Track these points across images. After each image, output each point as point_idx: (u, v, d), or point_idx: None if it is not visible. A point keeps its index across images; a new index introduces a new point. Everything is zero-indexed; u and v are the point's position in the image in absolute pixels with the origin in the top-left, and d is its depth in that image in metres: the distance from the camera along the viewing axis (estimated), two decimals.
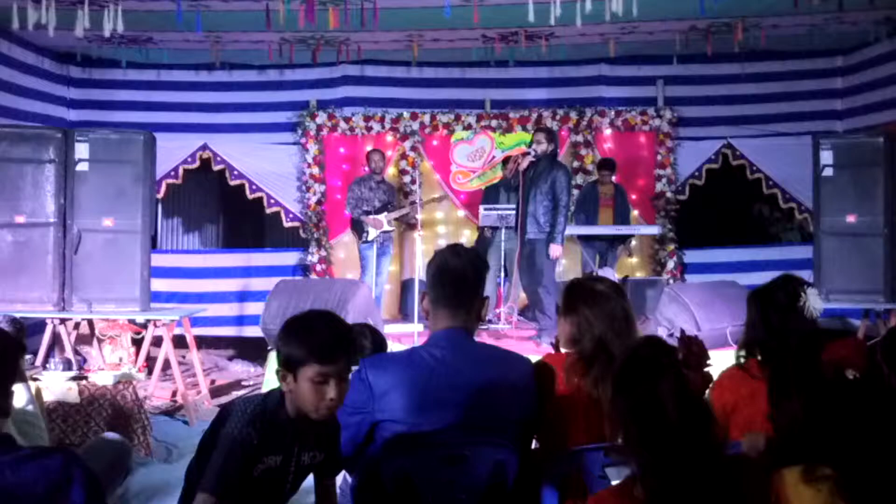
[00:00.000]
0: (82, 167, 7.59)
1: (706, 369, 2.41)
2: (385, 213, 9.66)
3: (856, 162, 8.31)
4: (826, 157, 8.35)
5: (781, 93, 10.95)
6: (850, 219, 8.31)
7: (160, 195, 10.59)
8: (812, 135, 8.88)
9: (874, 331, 8.26)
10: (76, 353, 7.80)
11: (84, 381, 6.19)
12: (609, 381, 2.46)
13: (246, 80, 11.07)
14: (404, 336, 8.29)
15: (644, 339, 2.69)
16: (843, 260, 8.27)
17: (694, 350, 2.38)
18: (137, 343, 8.41)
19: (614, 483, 2.54)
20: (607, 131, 10.92)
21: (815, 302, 3.37)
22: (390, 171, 10.62)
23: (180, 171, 10.82)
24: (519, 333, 8.69)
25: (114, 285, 7.58)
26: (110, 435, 4.51)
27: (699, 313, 7.44)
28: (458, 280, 3.03)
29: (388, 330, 8.45)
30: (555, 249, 8.09)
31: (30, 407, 3.75)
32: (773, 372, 2.84)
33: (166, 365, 7.90)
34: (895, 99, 9.77)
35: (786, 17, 8.91)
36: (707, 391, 2.50)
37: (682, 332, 2.95)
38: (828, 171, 8.34)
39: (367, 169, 10.13)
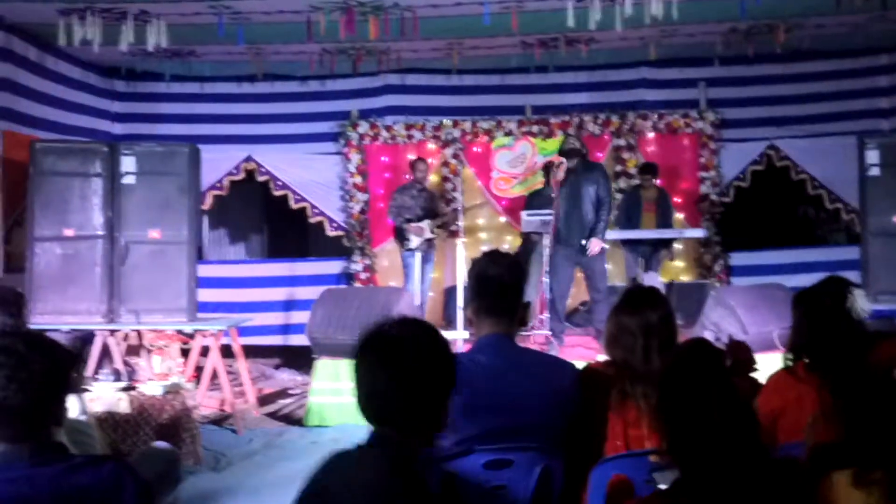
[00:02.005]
0: (128, 180, 7.71)
1: (754, 375, 2.39)
2: (427, 221, 9.67)
3: None
4: (872, 156, 8.25)
5: (825, 92, 10.81)
6: None
7: (206, 206, 10.70)
8: (857, 134, 8.78)
9: None
10: (125, 363, 7.89)
11: (134, 392, 6.28)
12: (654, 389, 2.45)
13: (288, 90, 11.17)
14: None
15: (691, 343, 2.68)
16: (890, 260, 8.17)
17: (741, 356, 2.36)
18: (186, 353, 8.50)
19: (661, 488, 2.53)
20: (650, 134, 10.86)
21: (861, 303, 3.34)
22: (432, 179, 10.64)
23: (225, 183, 10.94)
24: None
25: (161, 296, 7.69)
26: (160, 444, 4.57)
27: (745, 317, 7.39)
28: (497, 287, 3.05)
29: None
30: (595, 244, 8.10)
31: (82, 417, 3.82)
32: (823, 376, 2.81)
33: (214, 374, 7.97)
34: None
35: (828, 18, 8.81)
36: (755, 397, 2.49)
37: (730, 338, 2.94)
38: (874, 171, 8.25)
39: (408, 177, 10.17)
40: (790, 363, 3.32)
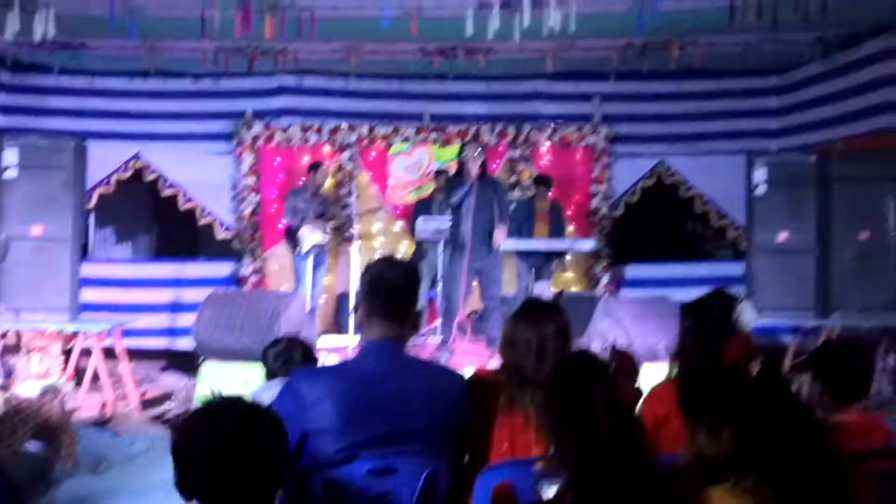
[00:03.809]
0: (10, 174, 7.46)
1: (636, 385, 2.41)
2: (320, 225, 9.57)
3: (788, 181, 8.51)
4: (759, 175, 8.52)
5: (717, 111, 11.10)
6: (782, 236, 8.48)
7: (92, 204, 10.39)
8: (746, 153, 9.04)
9: (805, 347, 8.41)
10: (2, 363, 7.61)
11: (9, 392, 6.04)
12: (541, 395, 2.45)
13: (180, 88, 10.90)
14: (339, 349, 8.23)
15: (577, 353, 2.70)
16: (774, 277, 8.45)
17: (625, 363, 2.39)
18: (68, 353, 8.22)
19: (545, 497, 2.52)
20: (544, 147, 10.98)
21: (747, 315, 3.41)
22: (327, 182, 10.52)
23: (112, 180, 10.63)
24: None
25: (43, 294, 7.46)
26: (32, 446, 4.40)
27: (632, 328, 7.51)
28: (392, 291, 3.01)
29: (322, 343, 8.40)
30: (500, 234, 8.19)
31: None
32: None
33: (96, 376, 7.73)
34: (828, 119, 9.96)
35: (721, 36, 9.04)
36: (638, 405, 2.51)
37: (614, 345, 2.97)
38: (761, 190, 8.50)
39: (303, 180, 10.06)
40: (675, 371, 3.36)
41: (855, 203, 8.30)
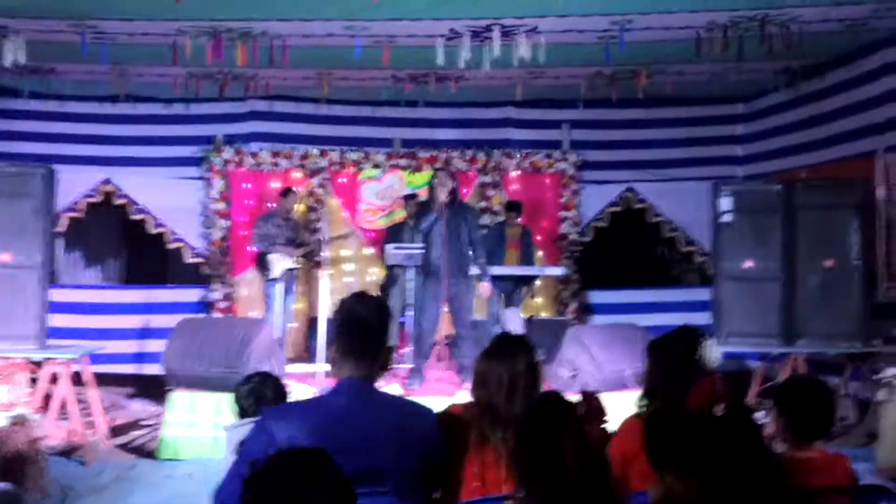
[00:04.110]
0: None
1: (604, 427, 2.45)
2: (291, 251, 9.58)
3: (754, 208, 8.61)
4: (725, 203, 8.62)
5: (684, 138, 11.26)
6: (748, 264, 8.58)
7: (60, 229, 10.33)
8: (712, 181, 9.15)
9: (771, 373, 8.51)
10: None
11: None
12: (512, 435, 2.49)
13: (151, 112, 10.91)
14: (308, 376, 8.22)
15: (545, 395, 2.73)
16: (740, 304, 8.53)
17: (593, 406, 2.43)
18: (34, 382, 8.14)
19: None
20: (514, 173, 11.07)
21: (712, 353, 3.46)
22: (297, 208, 10.53)
23: (81, 205, 10.60)
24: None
25: (10, 322, 7.41)
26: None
27: (599, 355, 7.56)
28: (362, 330, 3.03)
29: (292, 369, 8.38)
30: (486, 288, 8.26)
31: None
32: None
33: (63, 404, 7.66)
34: (793, 146, 10.13)
35: (688, 66, 9.18)
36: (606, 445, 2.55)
37: (583, 388, 3.00)
38: (727, 217, 8.60)
39: (273, 205, 10.08)
40: (643, 408, 3.40)
41: (819, 231, 8.42)
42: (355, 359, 3.01)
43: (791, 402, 3.32)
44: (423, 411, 3.14)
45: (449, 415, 3.29)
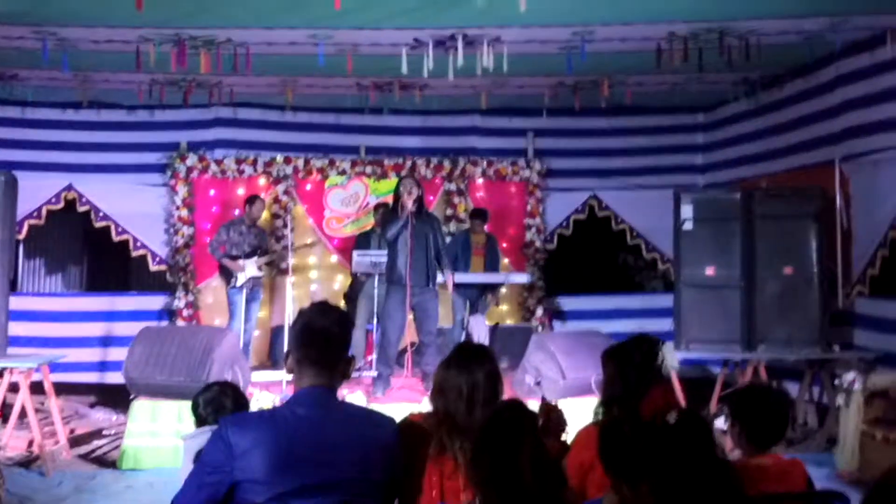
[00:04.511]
0: None
1: (562, 439, 2.48)
2: (255, 258, 9.55)
3: (714, 216, 8.70)
4: (686, 211, 8.70)
5: (646, 147, 11.36)
6: (709, 271, 8.66)
7: (21, 236, 10.24)
8: (674, 188, 9.24)
9: (732, 379, 8.59)
10: None
11: None
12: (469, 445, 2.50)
13: (114, 119, 10.84)
14: (273, 384, 8.20)
15: (506, 403, 2.75)
16: (702, 310, 8.61)
17: (553, 418, 2.45)
18: None
19: None
20: (479, 181, 11.12)
21: (670, 359, 3.51)
22: (262, 216, 10.49)
23: (43, 212, 10.50)
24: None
25: None
26: None
27: (564, 362, 7.61)
28: (323, 339, 3.03)
29: (256, 377, 8.36)
30: (450, 279, 8.32)
31: None
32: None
33: (23, 413, 7.59)
34: (752, 155, 10.26)
35: (649, 76, 9.28)
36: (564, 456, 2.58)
37: (543, 399, 3.03)
38: (688, 225, 8.68)
39: (238, 212, 10.05)
40: (600, 417, 3.43)
41: (778, 239, 8.51)
42: (316, 368, 3.01)
43: (744, 411, 3.37)
44: (384, 420, 3.15)
45: (409, 424, 3.31)
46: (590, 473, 3.24)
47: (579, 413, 3.39)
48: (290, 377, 3.15)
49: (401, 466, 3.09)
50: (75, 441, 8.26)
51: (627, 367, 3.45)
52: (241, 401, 3.71)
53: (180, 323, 10.27)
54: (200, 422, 3.62)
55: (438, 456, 3.15)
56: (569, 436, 3.18)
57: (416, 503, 3.10)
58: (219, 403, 3.62)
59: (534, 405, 2.99)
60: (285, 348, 8.06)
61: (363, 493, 2.93)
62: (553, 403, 2.65)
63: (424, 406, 6.24)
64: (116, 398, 9.31)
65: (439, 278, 8.31)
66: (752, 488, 2.82)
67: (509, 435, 2.34)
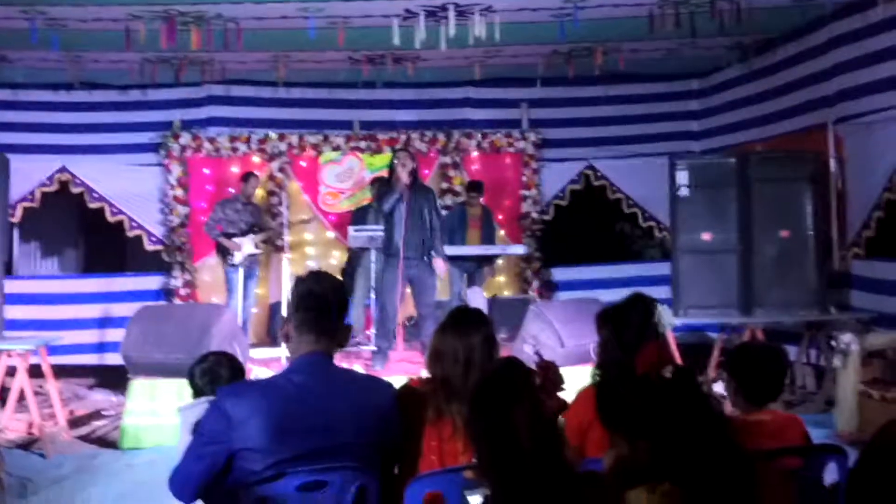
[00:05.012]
0: None
1: (561, 394, 2.47)
2: (250, 236, 9.53)
3: (710, 182, 8.69)
4: (682, 177, 8.68)
5: (641, 115, 11.32)
6: (706, 237, 8.67)
7: (15, 219, 10.21)
8: (669, 156, 9.22)
9: (730, 343, 8.61)
10: None
11: None
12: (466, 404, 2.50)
13: (107, 99, 10.80)
14: (272, 360, 8.21)
15: (502, 362, 2.74)
16: (699, 276, 8.62)
17: (550, 376, 2.44)
18: None
19: None
20: (474, 153, 11.08)
21: (666, 318, 3.51)
22: (257, 193, 10.47)
23: (37, 194, 10.46)
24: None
25: None
26: None
27: (563, 330, 7.60)
28: (321, 306, 3.03)
29: (255, 354, 8.37)
30: (441, 266, 8.19)
31: None
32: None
33: (22, 396, 7.59)
34: (747, 120, 10.23)
35: (643, 43, 9.23)
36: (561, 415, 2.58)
37: (540, 357, 3.02)
38: (683, 192, 8.68)
39: (233, 190, 10.02)
40: (598, 378, 3.43)
41: (774, 203, 8.52)
42: (313, 334, 3.01)
43: (740, 367, 3.37)
44: (381, 385, 3.15)
45: (407, 389, 3.31)
46: (589, 433, 3.25)
47: (579, 381, 3.38)
48: (288, 353, 3.15)
49: (400, 431, 3.10)
50: (75, 423, 8.26)
51: (624, 328, 3.45)
52: (237, 370, 3.70)
53: (177, 302, 10.26)
54: (197, 392, 3.61)
55: (437, 420, 3.16)
56: (567, 394, 3.17)
57: (416, 467, 3.11)
58: (215, 373, 3.61)
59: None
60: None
61: (362, 457, 2.94)
62: (550, 361, 2.65)
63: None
64: (115, 379, 9.30)
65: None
66: (751, 443, 2.82)
67: (504, 391, 2.33)
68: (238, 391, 2.99)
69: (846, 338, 7.06)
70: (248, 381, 3.52)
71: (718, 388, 5.20)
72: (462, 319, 3.41)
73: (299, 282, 3.11)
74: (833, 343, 7.32)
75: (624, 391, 2.47)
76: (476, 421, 2.37)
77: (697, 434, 2.23)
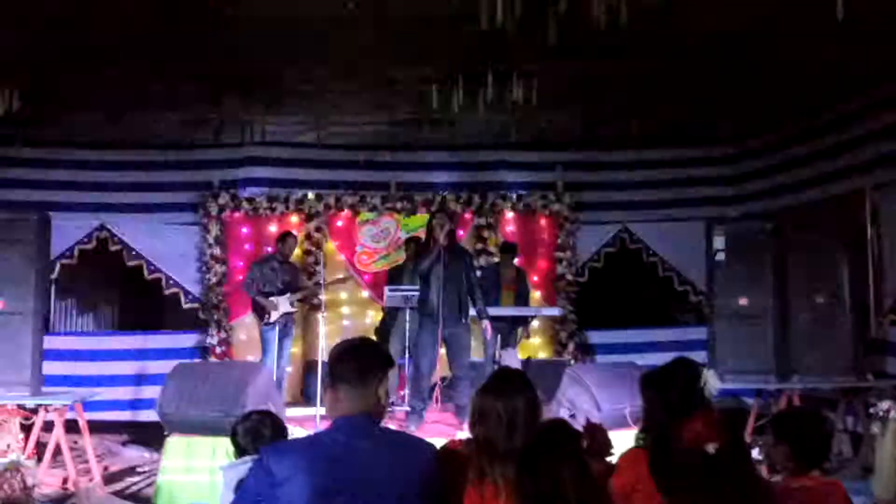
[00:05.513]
0: None
1: (608, 459, 2.45)
2: (288, 295, 9.57)
3: (746, 247, 8.65)
4: (719, 242, 8.66)
5: (676, 179, 11.32)
6: (742, 301, 8.59)
7: (54, 275, 10.33)
8: (705, 220, 9.20)
9: (766, 409, 8.50)
10: None
11: None
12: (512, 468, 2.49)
13: (146, 159, 10.96)
14: (307, 420, 8.19)
15: (550, 423, 2.73)
16: (735, 341, 8.54)
17: (598, 438, 2.43)
18: (27, 429, 8.10)
19: None
20: (509, 214, 11.12)
21: (713, 382, 3.48)
22: (294, 252, 10.53)
23: (76, 252, 10.60)
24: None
25: (3, 369, 7.37)
26: None
27: (599, 394, 7.53)
28: (359, 368, 3.04)
29: (289, 413, 8.34)
30: (490, 328, 8.29)
31: None
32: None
33: (58, 451, 7.62)
34: (782, 185, 10.19)
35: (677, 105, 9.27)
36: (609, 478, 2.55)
37: (587, 420, 3.01)
38: (720, 256, 8.63)
39: (269, 250, 10.10)
40: (642, 442, 3.40)
41: (810, 268, 8.47)
42: (352, 396, 3.01)
43: (790, 430, 3.34)
44: (423, 445, 3.14)
45: (448, 451, 3.29)
46: (633, 495, 3.21)
47: (616, 445, 3.35)
48: (323, 412, 3.16)
49: (441, 493, 3.08)
50: (109, 478, 8.27)
51: (669, 391, 3.42)
52: (280, 429, 3.71)
53: (213, 360, 10.29)
54: (240, 451, 3.62)
55: (478, 481, 3.13)
56: (614, 458, 3.14)
57: None
58: (258, 432, 3.62)
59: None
60: (318, 383, 8.08)
61: None
62: (598, 423, 2.62)
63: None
64: (149, 436, 9.33)
65: (471, 312, 8.30)
66: None
67: (553, 454, 2.33)
68: (281, 449, 2.99)
69: (884, 405, 6.96)
70: (291, 439, 3.52)
71: (755, 453, 5.13)
72: (505, 380, 3.40)
73: (337, 345, 3.12)
74: (871, 410, 7.21)
75: (677, 458, 2.45)
76: (525, 481, 2.36)
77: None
